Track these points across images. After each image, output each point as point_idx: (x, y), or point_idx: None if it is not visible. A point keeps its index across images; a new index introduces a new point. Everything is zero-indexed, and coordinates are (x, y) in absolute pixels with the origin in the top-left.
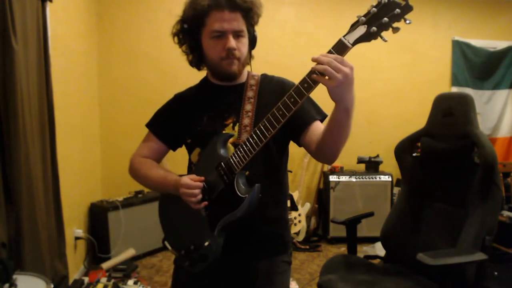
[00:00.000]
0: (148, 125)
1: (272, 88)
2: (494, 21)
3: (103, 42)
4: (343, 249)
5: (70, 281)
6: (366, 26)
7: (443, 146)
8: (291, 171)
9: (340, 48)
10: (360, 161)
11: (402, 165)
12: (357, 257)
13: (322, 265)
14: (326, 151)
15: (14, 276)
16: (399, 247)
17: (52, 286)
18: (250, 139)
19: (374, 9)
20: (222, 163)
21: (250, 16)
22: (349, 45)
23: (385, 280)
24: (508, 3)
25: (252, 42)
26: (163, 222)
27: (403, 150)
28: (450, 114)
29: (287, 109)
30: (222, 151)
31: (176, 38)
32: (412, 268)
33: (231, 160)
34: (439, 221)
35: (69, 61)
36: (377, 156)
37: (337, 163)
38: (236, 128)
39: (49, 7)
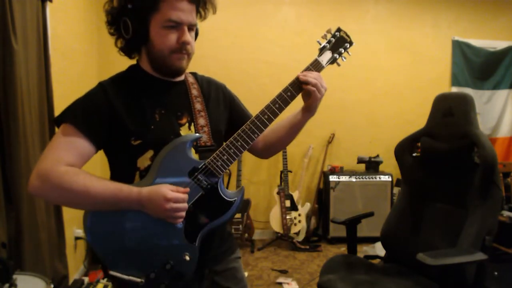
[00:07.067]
0: (68, 120)
1: (213, 90)
2: (494, 21)
3: (103, 42)
4: (343, 249)
5: (70, 281)
6: (331, 52)
7: (443, 146)
8: (291, 171)
9: (317, 66)
10: (360, 161)
11: (402, 165)
12: (357, 257)
13: (322, 265)
14: (276, 149)
15: (14, 276)
16: (399, 247)
17: (52, 286)
18: (235, 142)
19: (332, 39)
20: (198, 168)
21: (203, 10)
22: (324, 66)
23: (385, 280)
24: (508, 3)
25: (195, 37)
26: (107, 248)
27: (403, 150)
28: (450, 114)
29: (272, 114)
30: (191, 154)
31: (109, 16)
32: (412, 268)
33: (212, 164)
34: (439, 221)
35: (69, 61)
36: (377, 156)
37: (337, 163)
38: (192, 128)
39: (49, 7)
